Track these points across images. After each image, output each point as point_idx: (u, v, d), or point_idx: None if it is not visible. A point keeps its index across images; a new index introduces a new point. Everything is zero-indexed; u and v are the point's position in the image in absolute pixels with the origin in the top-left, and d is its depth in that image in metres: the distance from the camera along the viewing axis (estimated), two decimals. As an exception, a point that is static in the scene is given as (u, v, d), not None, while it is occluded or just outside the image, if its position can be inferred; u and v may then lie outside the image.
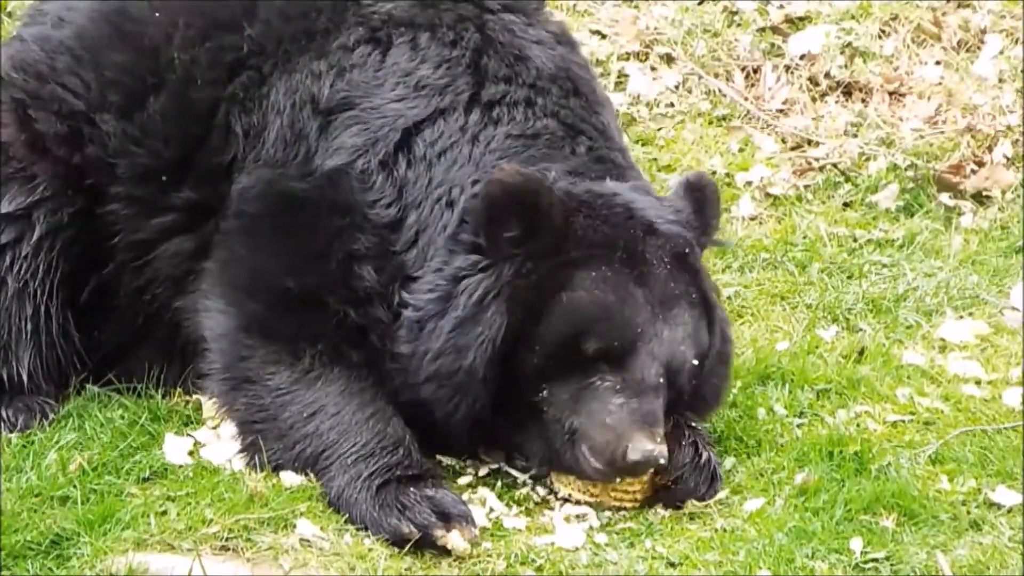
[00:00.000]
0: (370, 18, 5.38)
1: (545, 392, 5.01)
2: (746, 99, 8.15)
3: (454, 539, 4.81)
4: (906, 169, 7.66)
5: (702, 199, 5.29)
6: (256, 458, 5.15)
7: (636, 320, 4.99)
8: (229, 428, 5.28)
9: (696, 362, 5.09)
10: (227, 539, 4.83)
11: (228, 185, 5.36)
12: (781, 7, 8.56)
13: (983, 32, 8.43)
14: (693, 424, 5.28)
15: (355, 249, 5.14)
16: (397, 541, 4.86)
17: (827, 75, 8.25)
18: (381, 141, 5.20)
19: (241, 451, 5.21)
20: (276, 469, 5.13)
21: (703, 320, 5.13)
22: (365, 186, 5.17)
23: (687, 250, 5.14)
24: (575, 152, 5.24)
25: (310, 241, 5.16)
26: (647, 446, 4.88)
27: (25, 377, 5.50)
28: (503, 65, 5.32)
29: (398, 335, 5.10)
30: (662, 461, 4.91)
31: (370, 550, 4.85)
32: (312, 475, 5.09)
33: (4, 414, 5.44)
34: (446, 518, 4.85)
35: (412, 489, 4.93)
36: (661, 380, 4.99)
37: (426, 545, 4.83)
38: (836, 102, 8.19)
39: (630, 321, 4.98)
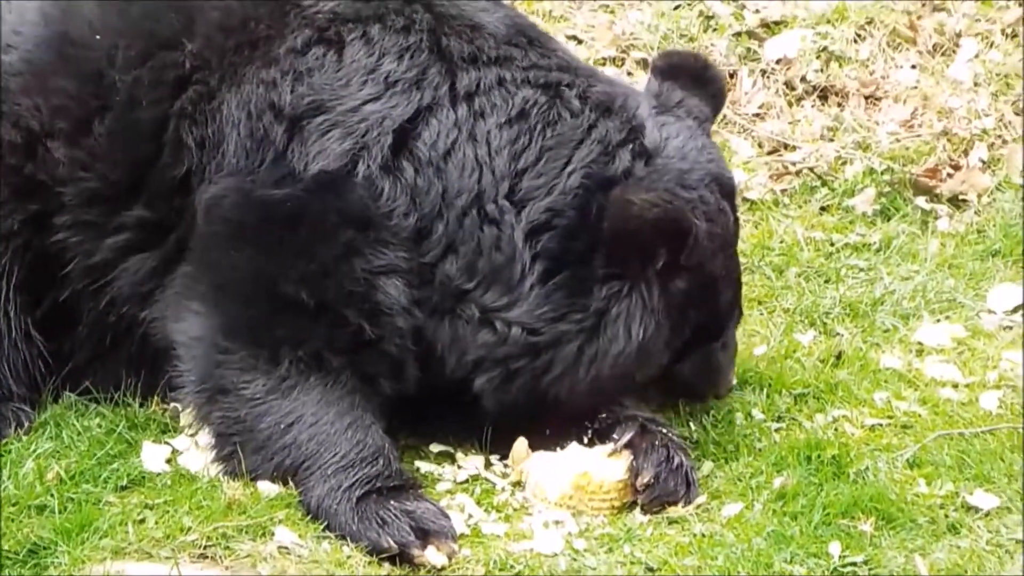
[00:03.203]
0: (315, 19, 5.32)
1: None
2: (722, 104, 8.15)
3: (430, 555, 4.81)
4: (882, 173, 7.67)
5: (716, 92, 5.64)
6: (234, 468, 5.13)
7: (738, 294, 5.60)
8: (206, 438, 5.26)
9: None
10: (205, 547, 4.82)
11: (183, 199, 5.31)
12: (757, 12, 8.56)
13: (958, 36, 8.45)
14: (664, 429, 5.31)
15: (380, 265, 5.12)
16: (376, 552, 4.86)
17: (803, 79, 8.26)
18: (373, 145, 5.16)
19: (218, 462, 5.18)
20: (254, 479, 5.11)
21: None
22: (373, 193, 5.14)
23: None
24: (572, 112, 5.26)
25: (321, 253, 5.11)
26: (733, 380, 5.71)
27: None
28: (463, 42, 5.31)
29: (475, 340, 5.20)
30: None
31: (348, 557, 4.85)
32: (292, 484, 5.08)
33: (-21, 423, 5.43)
34: (424, 534, 4.85)
35: (392, 502, 4.93)
36: None
37: (404, 560, 4.83)
38: (812, 106, 8.20)
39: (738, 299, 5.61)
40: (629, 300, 5.15)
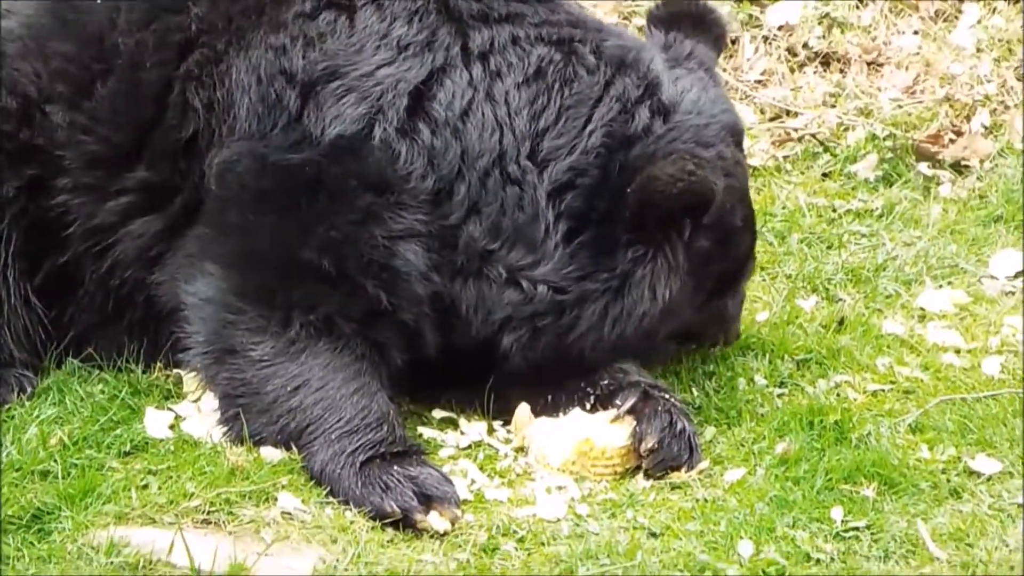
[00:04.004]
0: None
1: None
2: (724, 70, 8.13)
3: (433, 521, 4.82)
4: (884, 139, 7.67)
5: (718, 35, 5.71)
6: (237, 431, 5.13)
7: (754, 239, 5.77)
8: (211, 401, 5.27)
9: None
10: (209, 512, 4.83)
11: (189, 161, 5.30)
12: (759, -22, 8.56)
13: (960, 1, 8.44)
14: (667, 395, 5.31)
15: (399, 230, 5.12)
16: (379, 517, 4.86)
17: (805, 46, 8.25)
18: (389, 108, 5.15)
19: (222, 424, 5.19)
20: (258, 444, 5.11)
21: None
22: (390, 156, 5.13)
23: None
24: (588, 69, 5.28)
25: (341, 218, 5.10)
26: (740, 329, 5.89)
27: None
28: (471, 0, 5.32)
29: (501, 299, 5.22)
30: None
31: (352, 522, 4.85)
32: (295, 449, 5.08)
33: (-18, 389, 5.43)
34: (427, 499, 4.86)
35: (396, 468, 4.93)
36: None
37: (407, 525, 4.83)
38: (814, 72, 8.19)
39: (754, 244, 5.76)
40: (655, 263, 5.19)
